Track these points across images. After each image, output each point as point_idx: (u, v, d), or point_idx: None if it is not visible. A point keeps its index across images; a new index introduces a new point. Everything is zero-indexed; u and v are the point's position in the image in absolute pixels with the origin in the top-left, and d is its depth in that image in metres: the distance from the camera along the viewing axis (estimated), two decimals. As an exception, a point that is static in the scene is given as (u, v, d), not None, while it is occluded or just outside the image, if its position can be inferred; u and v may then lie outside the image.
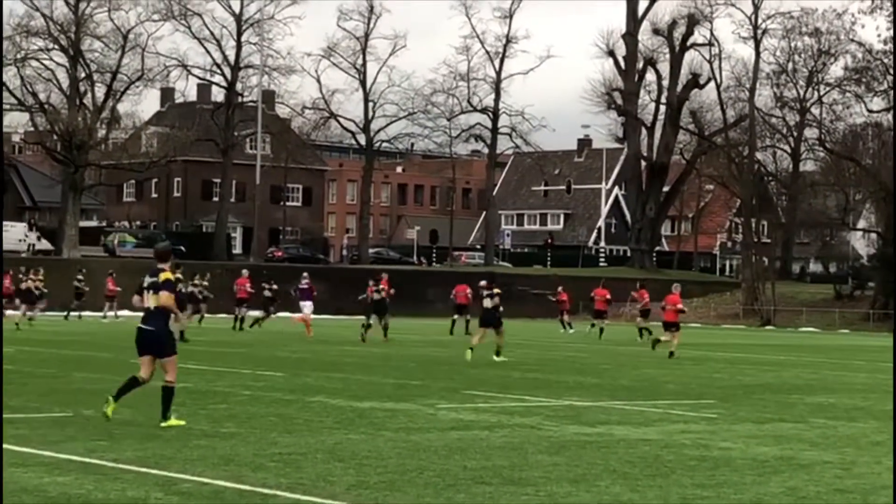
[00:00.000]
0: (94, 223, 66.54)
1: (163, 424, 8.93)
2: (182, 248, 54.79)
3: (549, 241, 71.98)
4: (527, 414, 11.18)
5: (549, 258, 68.49)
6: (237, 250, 65.22)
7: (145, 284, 9.11)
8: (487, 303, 19.95)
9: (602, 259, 70.68)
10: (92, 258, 49.52)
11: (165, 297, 8.92)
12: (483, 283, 20.78)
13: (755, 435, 9.90)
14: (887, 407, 13.25)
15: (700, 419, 11.21)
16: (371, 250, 67.21)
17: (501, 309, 20.24)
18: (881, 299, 52.85)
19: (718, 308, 56.44)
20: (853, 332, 47.58)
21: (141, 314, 9.24)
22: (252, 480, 6.50)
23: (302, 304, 28.90)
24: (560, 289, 37.53)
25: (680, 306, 22.98)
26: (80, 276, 36.22)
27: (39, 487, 6.06)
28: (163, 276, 8.96)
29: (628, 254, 71.75)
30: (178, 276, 15.45)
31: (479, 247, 77.47)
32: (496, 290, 20.00)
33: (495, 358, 19.45)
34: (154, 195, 74.32)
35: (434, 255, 69.48)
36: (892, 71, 55.02)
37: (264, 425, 9.41)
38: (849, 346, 33.26)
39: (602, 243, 75.04)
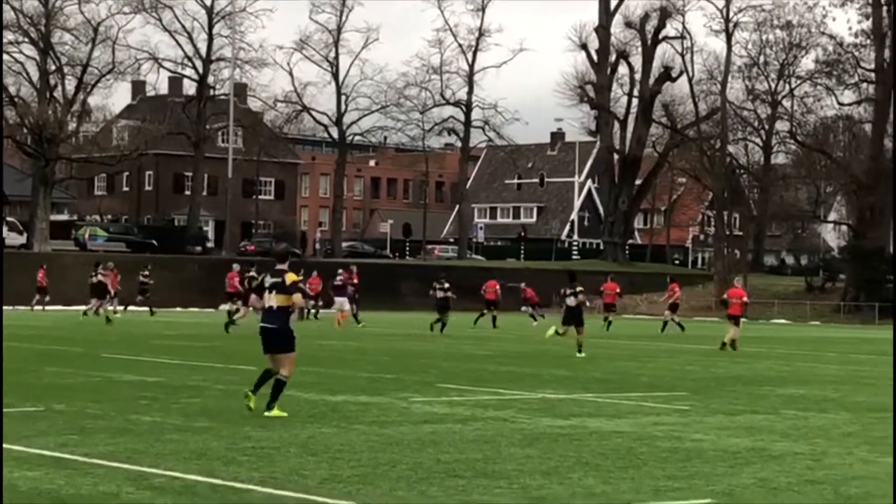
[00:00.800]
0: (65, 217, 65.75)
1: (267, 414, 9.38)
2: (154, 241, 54.50)
3: (523, 234, 72.17)
4: (500, 407, 11.18)
5: (522, 251, 68.69)
6: (210, 244, 64.70)
7: (267, 285, 9.68)
8: (571, 301, 20.22)
9: (575, 252, 70.96)
10: (63, 252, 48.98)
11: (298, 299, 9.74)
12: (565, 290, 20.92)
13: (727, 426, 9.98)
14: (859, 398, 13.44)
15: (673, 411, 11.28)
16: (345, 244, 66.99)
17: (585, 306, 21.03)
18: (852, 291, 53.49)
19: (691, 300, 56.89)
20: (824, 325, 48.13)
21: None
22: (224, 475, 6.45)
23: (337, 300, 30.37)
24: (523, 284, 39.04)
25: (745, 299, 23.94)
26: (146, 272, 35.96)
27: (10, 482, 5.98)
28: (289, 279, 9.57)
29: (601, 247, 72.06)
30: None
31: (452, 240, 77.45)
32: (579, 289, 20.45)
33: (578, 355, 19.41)
34: (125, 189, 73.51)
35: (407, 248, 69.42)
36: (862, 64, 55.70)
37: (237, 420, 9.35)
38: (820, 338, 33.65)
39: (575, 236, 75.33)
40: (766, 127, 65.74)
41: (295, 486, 6.12)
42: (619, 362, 19.39)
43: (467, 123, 68.01)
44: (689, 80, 61.85)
